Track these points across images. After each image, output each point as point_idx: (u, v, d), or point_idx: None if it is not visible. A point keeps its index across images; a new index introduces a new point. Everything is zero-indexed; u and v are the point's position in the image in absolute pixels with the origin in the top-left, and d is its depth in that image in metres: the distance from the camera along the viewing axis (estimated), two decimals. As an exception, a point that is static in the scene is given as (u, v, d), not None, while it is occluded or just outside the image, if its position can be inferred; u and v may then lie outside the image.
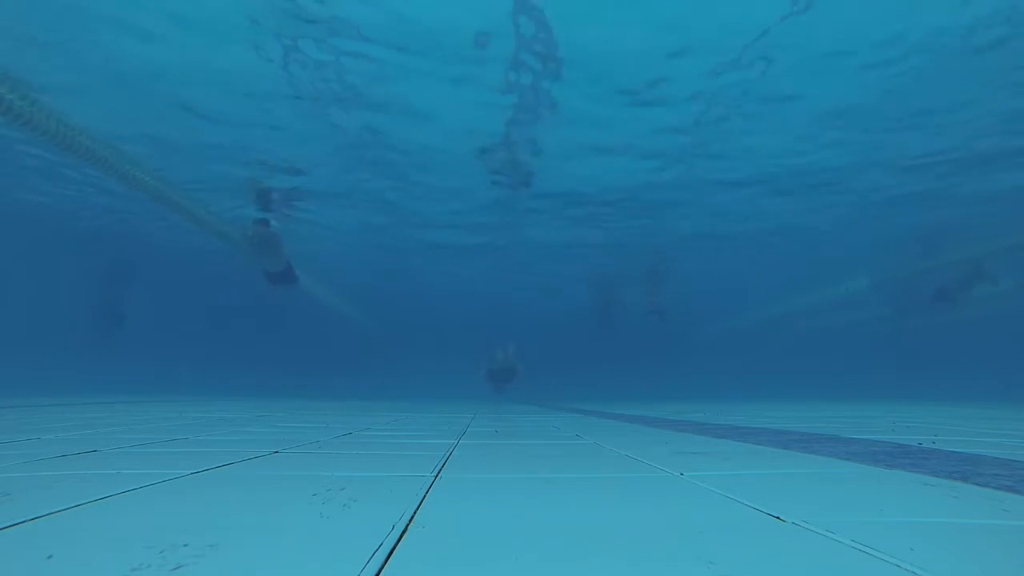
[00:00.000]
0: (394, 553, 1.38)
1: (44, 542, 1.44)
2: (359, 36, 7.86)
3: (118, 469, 2.66)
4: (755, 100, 9.55)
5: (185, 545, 1.41)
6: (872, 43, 8.05)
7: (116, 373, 22.64)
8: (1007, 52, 8.26)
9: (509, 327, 25.62)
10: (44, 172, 13.27)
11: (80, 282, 21.11)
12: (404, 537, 1.52)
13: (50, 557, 1.31)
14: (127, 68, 8.77)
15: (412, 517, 1.75)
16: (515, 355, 21.86)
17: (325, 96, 9.46)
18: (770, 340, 34.62)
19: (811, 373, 31.11)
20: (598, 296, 24.13)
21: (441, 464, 2.94)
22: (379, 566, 1.28)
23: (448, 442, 4.08)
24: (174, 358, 30.36)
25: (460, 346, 26.50)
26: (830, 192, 13.90)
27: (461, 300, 28.07)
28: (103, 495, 2.03)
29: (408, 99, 9.57)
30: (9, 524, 1.60)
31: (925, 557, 1.35)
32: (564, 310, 28.88)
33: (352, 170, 12.71)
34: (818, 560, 1.33)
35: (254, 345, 33.43)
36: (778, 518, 1.75)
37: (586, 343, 34.57)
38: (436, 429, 5.34)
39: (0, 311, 22.71)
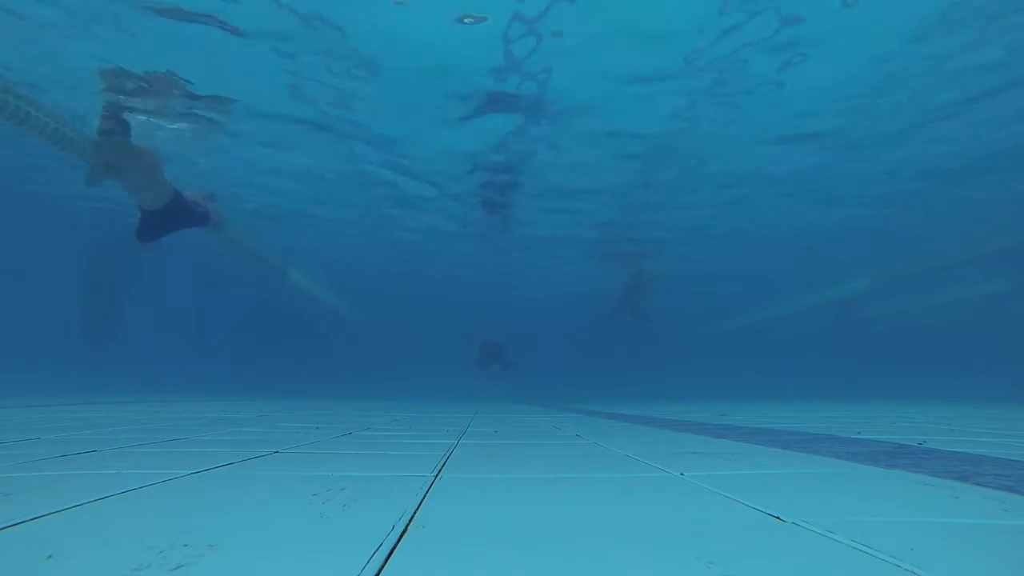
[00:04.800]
0: (394, 553, 1.38)
1: (44, 542, 1.44)
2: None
3: (118, 469, 2.66)
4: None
5: (185, 545, 1.41)
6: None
7: (114, 374, 22.62)
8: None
9: (510, 327, 25.60)
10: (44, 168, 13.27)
11: (75, 281, 21.05)
12: (404, 537, 1.52)
13: (50, 557, 1.31)
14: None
15: (412, 517, 1.75)
16: (503, 339, 22.10)
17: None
18: (770, 340, 34.64)
19: (811, 374, 31.12)
20: (628, 277, 20.69)
21: (441, 464, 2.94)
22: (379, 566, 1.28)
23: (448, 442, 4.08)
24: (172, 358, 30.36)
25: (460, 346, 26.49)
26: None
27: (462, 300, 28.07)
28: (103, 495, 2.03)
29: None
30: (9, 524, 1.60)
31: (925, 557, 1.35)
32: (565, 309, 28.88)
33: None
34: (818, 560, 1.33)
35: (253, 345, 33.45)
36: (778, 518, 1.75)
37: (586, 344, 34.59)
38: (436, 429, 5.34)
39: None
